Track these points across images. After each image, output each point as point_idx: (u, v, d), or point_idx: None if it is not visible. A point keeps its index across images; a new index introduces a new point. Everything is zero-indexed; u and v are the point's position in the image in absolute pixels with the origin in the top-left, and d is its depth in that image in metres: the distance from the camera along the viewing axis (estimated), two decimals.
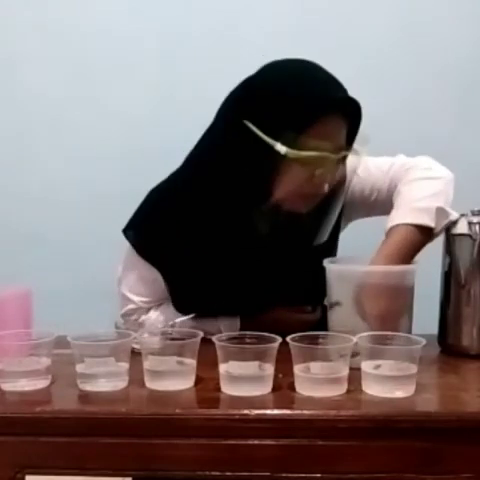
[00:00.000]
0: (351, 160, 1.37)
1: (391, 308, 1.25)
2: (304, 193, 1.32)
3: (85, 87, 2.08)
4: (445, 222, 1.32)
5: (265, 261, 1.42)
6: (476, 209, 1.32)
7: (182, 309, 1.46)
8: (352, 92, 2.02)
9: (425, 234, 1.32)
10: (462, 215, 1.32)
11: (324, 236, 1.40)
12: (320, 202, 1.36)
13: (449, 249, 1.34)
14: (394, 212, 1.35)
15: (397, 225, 1.32)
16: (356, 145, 1.33)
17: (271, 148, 1.26)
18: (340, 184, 1.39)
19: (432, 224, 1.32)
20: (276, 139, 1.26)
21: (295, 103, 1.26)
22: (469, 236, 1.30)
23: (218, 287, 1.43)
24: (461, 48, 2.03)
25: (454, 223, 1.32)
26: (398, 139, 1.95)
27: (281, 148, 1.26)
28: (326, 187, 1.32)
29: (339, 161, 1.32)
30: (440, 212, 1.32)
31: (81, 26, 2.06)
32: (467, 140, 2.05)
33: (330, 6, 2.03)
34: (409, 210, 1.33)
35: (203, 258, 1.41)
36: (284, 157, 1.27)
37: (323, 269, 1.31)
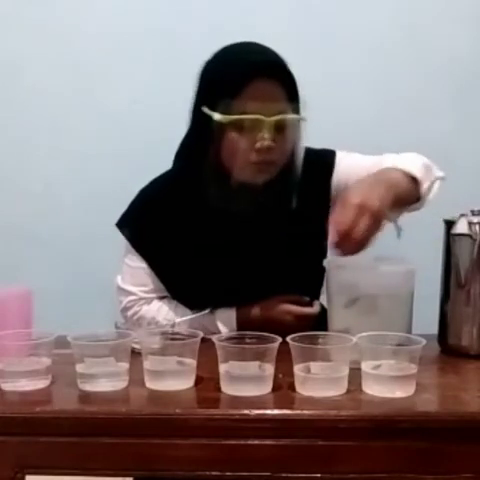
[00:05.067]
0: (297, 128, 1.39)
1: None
2: (254, 162, 1.35)
3: (85, 87, 2.08)
4: (431, 179, 1.35)
5: (255, 250, 1.44)
6: (476, 209, 1.32)
7: (179, 300, 1.49)
8: (352, 92, 2.03)
9: (411, 184, 1.33)
10: (462, 215, 1.32)
11: (290, 203, 1.43)
12: (279, 173, 1.40)
13: (449, 249, 1.33)
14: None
15: (382, 169, 1.34)
16: (296, 110, 1.36)
17: (213, 120, 1.33)
18: (294, 153, 1.42)
19: (418, 174, 1.33)
20: (214, 110, 1.33)
21: (223, 72, 1.34)
22: (469, 236, 1.30)
23: (211, 277, 1.44)
24: (460, 48, 2.04)
25: (454, 223, 1.32)
26: (397, 139, 1.95)
27: (217, 116, 1.32)
28: (274, 154, 1.35)
29: (280, 128, 1.34)
30: (426, 169, 1.35)
31: (82, 26, 2.07)
32: (467, 140, 2.05)
33: (330, 6, 2.03)
34: (394, 160, 1.36)
35: (193, 249, 1.44)
36: (226, 126, 1.33)
37: (317, 262, 1.31)
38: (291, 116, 1.35)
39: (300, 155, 1.43)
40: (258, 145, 1.33)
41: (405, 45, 2.04)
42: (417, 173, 1.34)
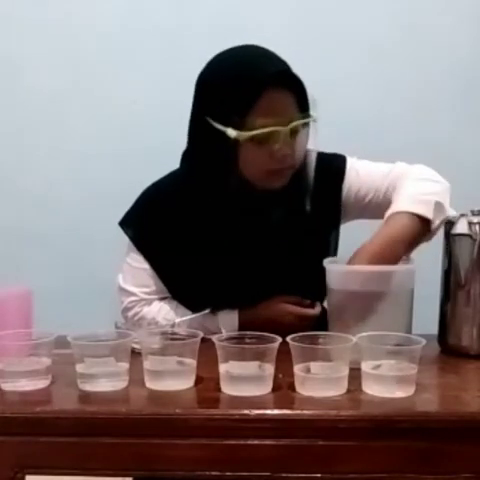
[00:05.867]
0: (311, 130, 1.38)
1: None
2: (272, 170, 1.35)
3: (85, 87, 2.08)
4: (442, 218, 1.33)
5: (259, 251, 1.44)
6: (476, 209, 1.32)
7: (180, 301, 1.49)
8: (352, 92, 2.03)
9: (423, 226, 1.33)
10: (462, 215, 1.32)
11: (304, 204, 1.43)
12: (294, 174, 1.40)
13: (449, 249, 1.33)
14: (394, 202, 1.36)
15: (395, 213, 1.33)
16: (307, 113, 1.35)
17: (225, 134, 1.31)
18: (307, 153, 1.41)
19: (430, 215, 1.32)
20: (226, 125, 1.31)
21: (232, 87, 1.31)
22: (469, 236, 1.30)
23: (214, 278, 1.44)
24: (460, 49, 2.03)
25: (453, 223, 1.32)
26: (398, 139, 1.95)
27: (231, 133, 1.30)
28: (292, 159, 1.36)
29: (294, 133, 1.34)
30: (438, 207, 1.33)
31: (82, 27, 2.06)
32: (467, 140, 2.05)
33: (330, 7, 2.03)
34: (408, 200, 1.34)
35: (196, 250, 1.44)
36: (239, 140, 1.31)
37: (320, 265, 1.31)
38: (305, 120, 1.35)
39: (313, 154, 1.43)
40: (277, 155, 1.33)
41: (405, 45, 2.04)
42: (429, 215, 1.32)
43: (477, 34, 2.04)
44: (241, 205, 1.41)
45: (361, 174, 1.47)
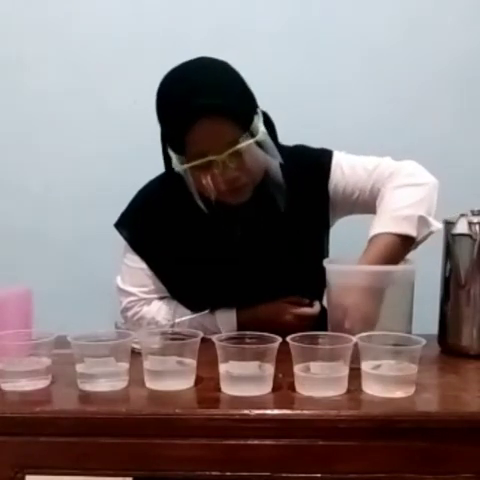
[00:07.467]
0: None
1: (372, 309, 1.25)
2: (224, 190, 1.34)
3: (86, 87, 2.08)
4: (426, 232, 1.32)
5: (254, 251, 1.44)
6: (476, 209, 1.32)
7: (179, 301, 1.50)
8: (352, 92, 2.03)
9: (407, 242, 1.32)
10: (462, 215, 1.33)
11: (279, 208, 1.43)
12: (258, 186, 1.39)
13: (449, 249, 1.34)
14: (376, 221, 1.34)
15: (379, 234, 1.31)
16: (247, 128, 1.32)
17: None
18: (267, 163, 1.39)
19: (414, 233, 1.31)
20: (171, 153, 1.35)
21: (165, 121, 1.35)
22: (469, 236, 1.30)
23: (211, 278, 1.45)
24: (460, 49, 2.03)
25: (453, 223, 1.32)
26: (398, 139, 1.95)
27: (174, 162, 1.34)
28: (245, 177, 1.34)
29: (237, 155, 1.31)
30: (422, 221, 1.32)
31: (82, 27, 2.06)
32: (467, 140, 2.05)
33: (330, 6, 2.03)
34: (390, 219, 1.32)
35: (191, 250, 1.44)
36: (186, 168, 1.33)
37: (316, 263, 1.31)
38: (242, 144, 1.31)
39: (274, 163, 1.39)
40: (222, 180, 1.32)
41: (405, 45, 2.03)
42: (412, 233, 1.31)
43: (477, 34, 2.03)
44: (216, 215, 1.40)
45: (346, 171, 1.45)
